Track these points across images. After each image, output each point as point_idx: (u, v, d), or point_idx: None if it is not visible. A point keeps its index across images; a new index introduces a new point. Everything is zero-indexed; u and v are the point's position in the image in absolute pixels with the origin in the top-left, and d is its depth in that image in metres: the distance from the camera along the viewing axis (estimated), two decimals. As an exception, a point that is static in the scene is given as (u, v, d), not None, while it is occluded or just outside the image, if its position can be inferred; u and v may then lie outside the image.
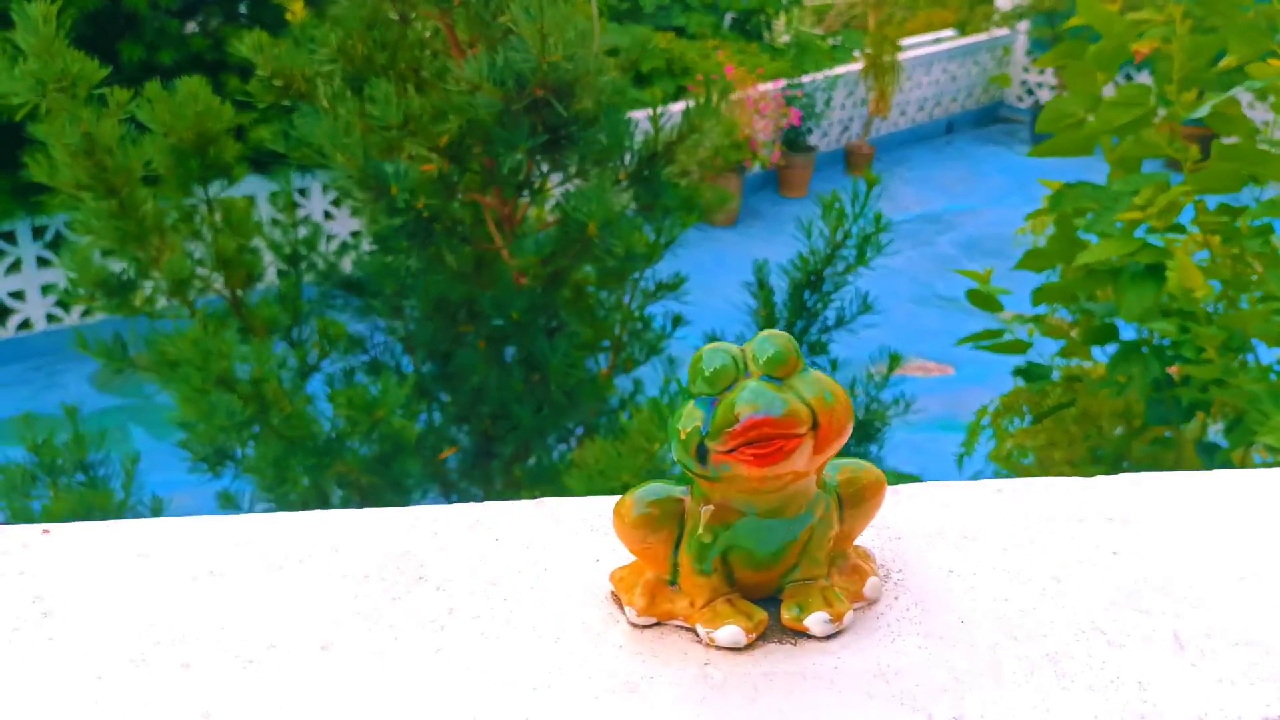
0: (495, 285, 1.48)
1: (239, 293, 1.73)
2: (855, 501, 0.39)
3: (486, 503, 0.48)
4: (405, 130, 1.23)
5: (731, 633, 0.37)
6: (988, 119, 7.38)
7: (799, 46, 6.63)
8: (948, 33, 7.51)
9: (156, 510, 1.84)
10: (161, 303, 1.61)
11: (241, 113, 1.88)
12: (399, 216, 1.25)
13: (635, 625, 0.39)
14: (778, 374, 0.35)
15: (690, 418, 0.35)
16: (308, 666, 0.39)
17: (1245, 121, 1.64)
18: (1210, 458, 1.75)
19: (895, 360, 1.90)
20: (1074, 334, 2.11)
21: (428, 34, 1.39)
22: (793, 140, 5.96)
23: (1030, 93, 7.38)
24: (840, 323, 1.84)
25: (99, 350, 1.54)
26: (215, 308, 1.67)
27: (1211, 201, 1.68)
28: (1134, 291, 1.64)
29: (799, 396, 0.35)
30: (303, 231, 1.91)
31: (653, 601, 0.38)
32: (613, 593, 0.41)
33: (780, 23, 7.18)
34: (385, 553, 0.45)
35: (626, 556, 0.41)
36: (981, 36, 7.13)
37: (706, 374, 0.36)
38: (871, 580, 0.39)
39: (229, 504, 1.85)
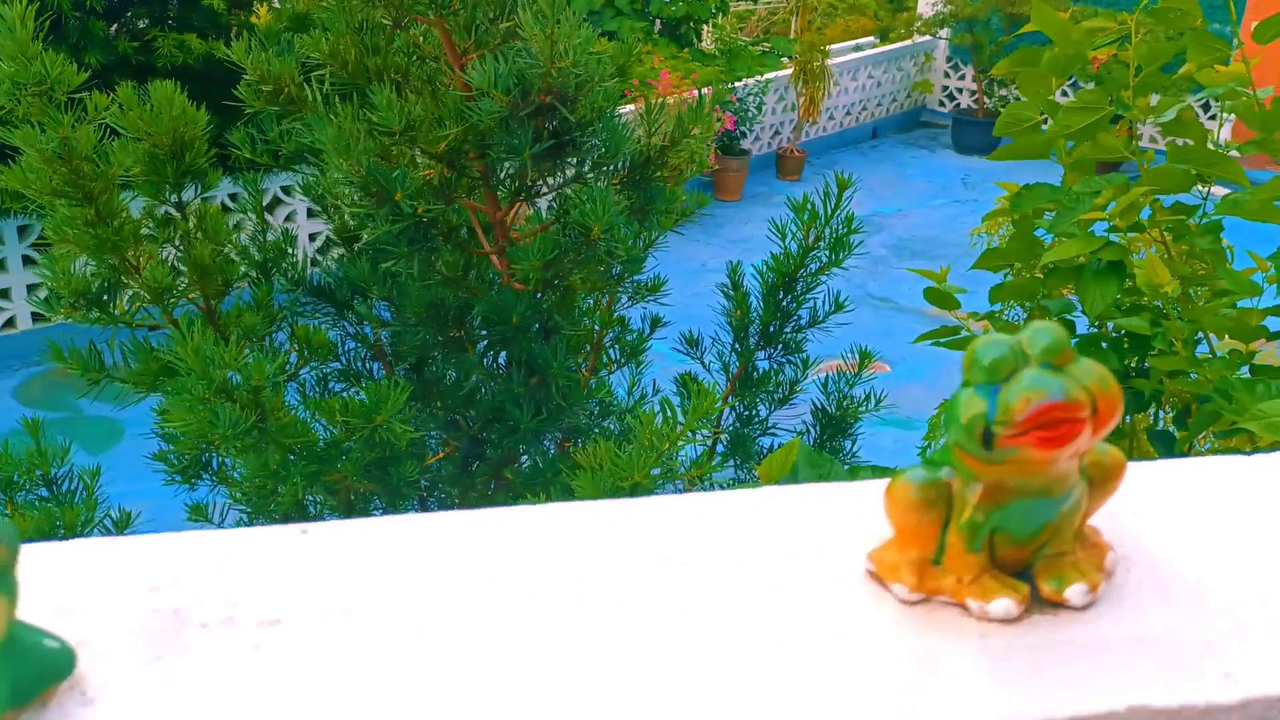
0: (486, 290, 1.48)
1: (211, 301, 1.70)
2: (1101, 481, 0.42)
3: (715, 493, 0.50)
4: (405, 136, 1.23)
5: (1005, 605, 0.39)
6: (911, 124, 7.56)
7: (729, 53, 6.71)
8: (868, 40, 7.67)
9: (122, 525, 1.80)
10: (137, 311, 1.57)
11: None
12: (401, 221, 1.24)
13: (905, 602, 0.41)
14: (1054, 362, 0.38)
15: (971, 405, 0.37)
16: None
17: (1197, 125, 1.72)
18: (1167, 446, 1.83)
19: (866, 357, 1.95)
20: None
21: (420, 39, 1.39)
22: (727, 145, 6.03)
23: (952, 98, 7.58)
24: (814, 322, 1.88)
25: (74, 361, 1.50)
26: (187, 316, 1.64)
27: (1166, 201, 1.77)
28: (1096, 288, 1.72)
29: (1078, 383, 0.37)
30: (270, 237, 1.89)
31: (921, 579, 0.40)
32: (872, 572, 0.43)
33: (708, 29, 7.26)
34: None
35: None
36: (905, 43, 7.30)
37: (985, 364, 0.38)
38: (1110, 554, 0.42)
39: (200, 516, 1.82)
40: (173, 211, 1.62)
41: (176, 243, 1.59)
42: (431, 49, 1.43)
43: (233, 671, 0.42)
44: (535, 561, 0.47)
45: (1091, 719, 0.36)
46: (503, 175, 1.40)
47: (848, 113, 7.14)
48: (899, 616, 0.41)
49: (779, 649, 0.40)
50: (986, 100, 7.16)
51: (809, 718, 0.37)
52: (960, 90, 7.50)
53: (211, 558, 0.48)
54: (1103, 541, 0.43)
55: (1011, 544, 0.40)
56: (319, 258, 1.96)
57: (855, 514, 0.47)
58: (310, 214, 1.69)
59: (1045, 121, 1.92)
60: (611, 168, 1.35)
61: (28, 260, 4.44)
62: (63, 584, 0.46)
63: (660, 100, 1.43)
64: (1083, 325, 2.04)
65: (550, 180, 1.33)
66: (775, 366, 1.90)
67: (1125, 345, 1.85)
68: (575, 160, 1.32)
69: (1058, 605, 0.41)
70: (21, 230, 4.40)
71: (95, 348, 1.53)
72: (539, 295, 1.42)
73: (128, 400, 1.58)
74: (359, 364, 1.93)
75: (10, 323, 4.49)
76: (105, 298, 1.44)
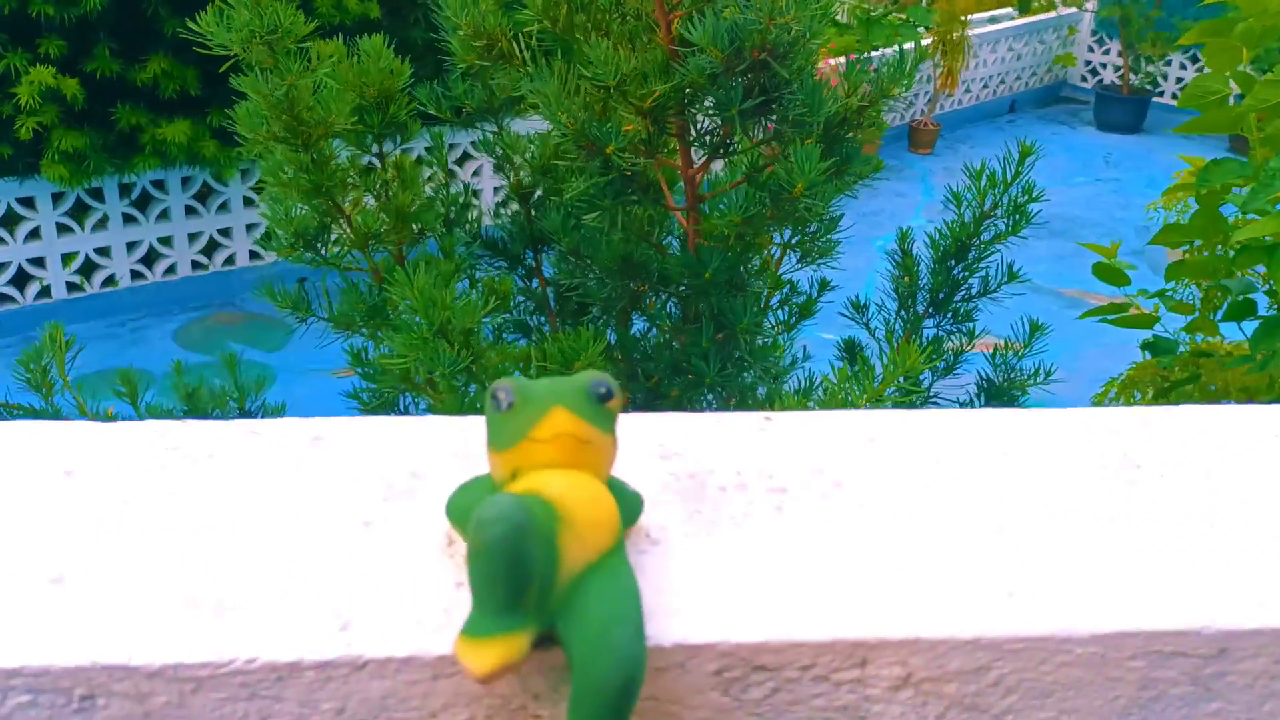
0: (669, 246, 1.52)
1: (403, 248, 1.78)
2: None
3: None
4: (618, 90, 1.27)
5: None
6: (1050, 98, 7.34)
7: (866, 22, 6.60)
8: (1005, 11, 7.45)
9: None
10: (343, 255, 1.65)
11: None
12: (610, 174, 1.28)
13: None
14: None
15: None
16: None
17: None
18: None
19: (1036, 329, 1.92)
20: (1200, 310, 2.13)
21: (628, -4, 1.42)
22: (860, 115, 5.94)
23: (1095, 73, 7.32)
24: (985, 291, 1.87)
25: (284, 300, 1.59)
26: (386, 261, 1.72)
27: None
28: (1292, 267, 1.66)
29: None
30: (453, 190, 1.96)
31: None
32: None
33: (843, -3, 7.14)
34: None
35: None
36: (1049, 15, 7.07)
37: None
38: None
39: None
40: (375, 161, 1.70)
41: (377, 190, 1.67)
42: (634, 4, 1.46)
43: (762, 527, 0.49)
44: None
45: None
46: (700, 132, 1.43)
47: (985, 85, 6.96)
48: None
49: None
50: (1133, 76, 6.90)
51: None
52: (1104, 65, 7.23)
53: (693, 433, 0.56)
54: None
55: None
56: (502, 210, 2.02)
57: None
58: (497, 169, 1.76)
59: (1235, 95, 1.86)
60: (811, 126, 1.36)
61: (190, 210, 4.65)
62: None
63: (861, 58, 1.44)
64: (1263, 306, 1.98)
65: (747, 138, 1.36)
66: (943, 335, 1.90)
67: (1314, 329, 1.79)
68: (776, 118, 1.34)
69: None
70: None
71: (303, 289, 1.62)
72: (736, 252, 1.45)
73: (326, 341, 1.67)
74: (528, 317, 2.00)
75: (171, 269, 4.73)
76: (318, 241, 1.53)
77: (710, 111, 1.35)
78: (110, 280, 4.60)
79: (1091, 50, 7.31)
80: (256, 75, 1.44)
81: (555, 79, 1.23)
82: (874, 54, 6.10)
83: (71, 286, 4.51)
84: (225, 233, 4.78)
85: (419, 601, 0.44)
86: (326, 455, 0.53)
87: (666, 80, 1.32)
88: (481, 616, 0.39)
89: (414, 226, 1.67)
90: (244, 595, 0.44)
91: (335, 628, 0.43)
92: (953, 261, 1.89)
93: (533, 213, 1.95)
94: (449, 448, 0.54)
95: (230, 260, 4.83)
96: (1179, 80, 6.96)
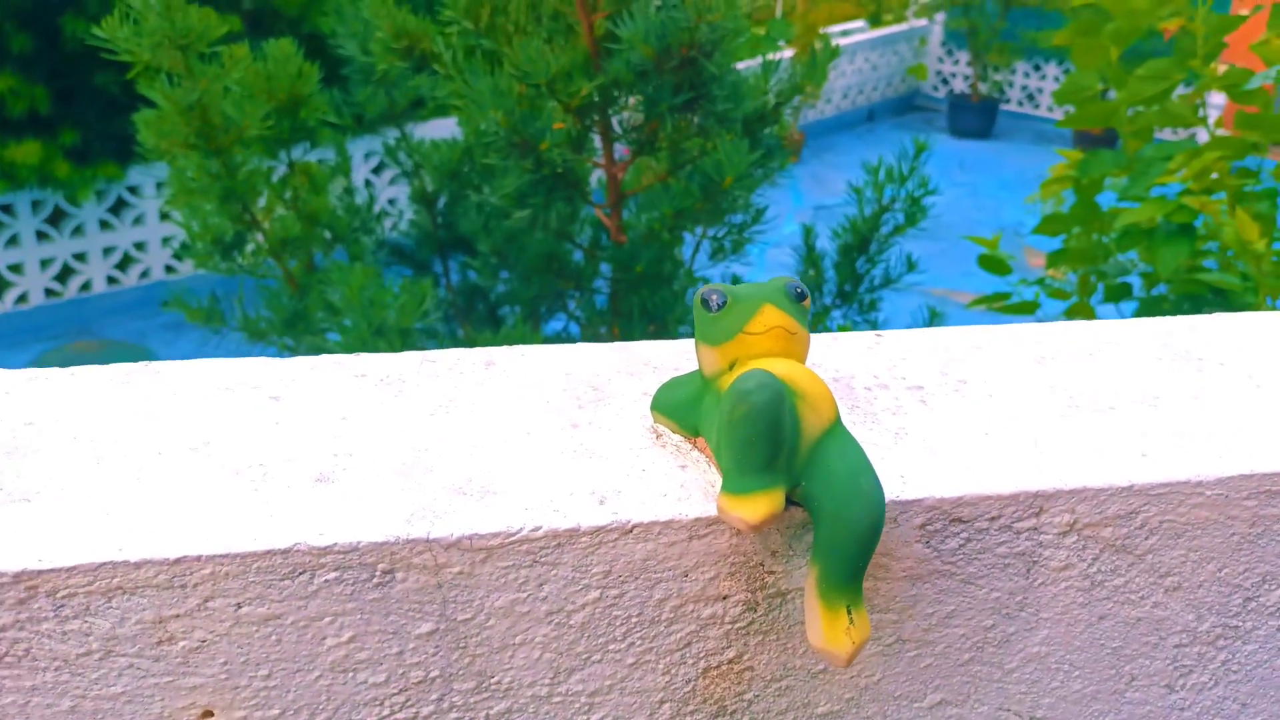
0: (594, 242, 1.53)
1: (312, 256, 1.74)
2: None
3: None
4: (548, 88, 1.28)
5: None
6: (905, 107, 7.65)
7: (729, 34, 6.75)
8: (857, 24, 7.74)
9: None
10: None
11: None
12: (542, 171, 1.29)
13: None
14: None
15: None
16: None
17: (1263, 93, 1.80)
18: None
19: (936, 315, 2.01)
20: (1077, 295, 2.26)
21: (548, -3, 1.43)
22: (729, 125, 6.08)
23: (945, 82, 7.67)
24: (888, 282, 1.95)
25: (194, 313, 1.53)
26: (299, 268, 1.68)
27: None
28: (1168, 249, 1.79)
29: None
30: (359, 198, 1.92)
31: None
32: None
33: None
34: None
35: None
36: (900, 27, 7.38)
37: None
38: None
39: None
40: (283, 168, 1.66)
41: (287, 198, 1.63)
42: (553, 6, 1.47)
43: (917, 416, 0.56)
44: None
45: None
46: (626, 128, 1.45)
47: (844, 95, 7.21)
48: None
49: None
50: (981, 85, 7.26)
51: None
52: (954, 75, 7.59)
53: (814, 351, 0.63)
54: None
55: None
56: (402, 217, 2.00)
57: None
58: (402, 175, 1.74)
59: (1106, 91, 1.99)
60: (734, 120, 1.40)
61: (41, 235, 4.41)
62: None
63: (777, 59, 1.48)
64: (1139, 288, 2.12)
65: (676, 133, 1.38)
66: (849, 324, 1.97)
67: (1185, 308, 1.92)
68: (702, 113, 1.37)
69: None
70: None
71: (215, 299, 1.56)
72: (660, 247, 1.47)
73: (245, 351, 1.62)
74: (438, 324, 1.98)
75: (23, 298, 4.47)
76: (234, 249, 1.48)
77: (634, 109, 1.37)
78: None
79: (941, 60, 7.66)
80: (164, 81, 1.39)
81: (488, 77, 1.23)
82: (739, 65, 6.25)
83: (-86, 319, 4.22)
84: (80, 257, 4.55)
85: (655, 480, 0.50)
86: (503, 377, 0.58)
87: (592, 79, 1.34)
88: (742, 476, 0.44)
89: (325, 233, 1.64)
90: (501, 483, 0.49)
91: (595, 502, 0.48)
92: (854, 254, 1.96)
93: (438, 219, 1.93)
94: (616, 366, 0.60)
95: (86, 286, 4.60)
96: (1024, 88, 7.36)
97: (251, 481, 0.48)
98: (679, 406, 0.52)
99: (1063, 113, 7.25)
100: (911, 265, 1.94)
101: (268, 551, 0.44)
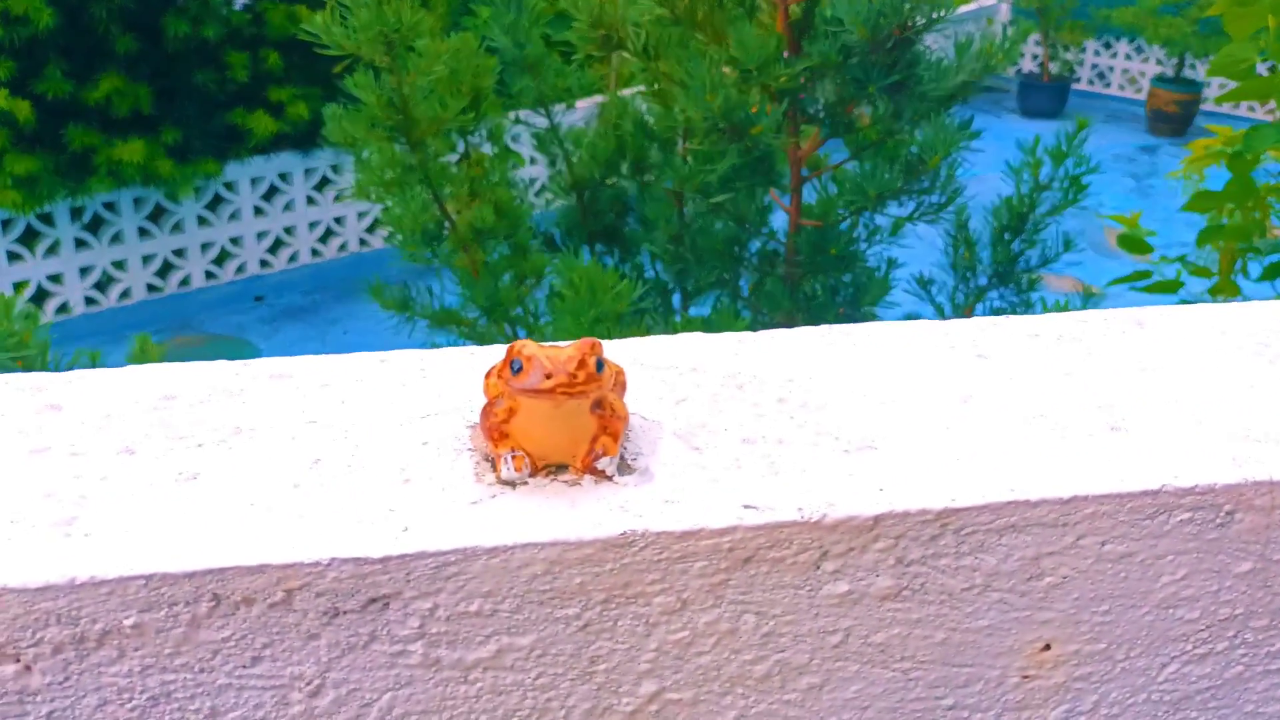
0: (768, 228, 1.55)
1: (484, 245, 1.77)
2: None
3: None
4: (757, 73, 1.30)
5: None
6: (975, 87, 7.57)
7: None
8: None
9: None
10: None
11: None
12: (753, 154, 1.31)
13: None
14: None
15: None
16: None
17: None
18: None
19: (1090, 293, 2.01)
20: (1220, 273, 2.24)
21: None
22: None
23: (1014, 63, 7.58)
24: (1045, 262, 1.95)
25: (389, 303, 1.57)
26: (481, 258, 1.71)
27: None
28: (1338, 223, 1.77)
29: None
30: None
31: None
32: None
33: None
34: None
35: None
36: (969, 7, 7.31)
37: None
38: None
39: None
40: (461, 157, 1.69)
41: (468, 186, 1.67)
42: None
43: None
44: None
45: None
46: (816, 111, 1.47)
47: (913, 78, 7.17)
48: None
49: None
50: (1052, 64, 7.18)
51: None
52: (1023, 55, 7.51)
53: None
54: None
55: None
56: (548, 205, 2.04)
57: None
58: (551, 164, 1.78)
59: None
60: (931, 101, 1.41)
61: (143, 232, 4.50)
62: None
63: (968, 37, 1.49)
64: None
65: (877, 114, 1.40)
66: (1007, 306, 1.97)
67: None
68: (905, 93, 1.38)
69: None
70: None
71: (406, 289, 1.60)
72: (844, 228, 1.48)
73: (426, 341, 1.65)
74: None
75: (126, 293, 4.57)
76: (435, 238, 1.52)
77: (833, 92, 1.38)
78: (64, 308, 4.43)
79: (1009, 41, 7.57)
80: (369, 75, 1.42)
81: (706, 63, 1.25)
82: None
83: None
84: (180, 253, 4.65)
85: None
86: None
87: (793, 63, 1.36)
88: None
89: (510, 220, 1.67)
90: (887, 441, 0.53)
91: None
92: (1008, 235, 1.96)
93: (586, 206, 1.96)
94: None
95: (185, 281, 4.69)
96: (1094, 67, 7.26)
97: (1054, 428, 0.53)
98: None
99: (1134, 91, 7.14)
100: (1069, 244, 1.94)
101: (1141, 492, 0.48)
